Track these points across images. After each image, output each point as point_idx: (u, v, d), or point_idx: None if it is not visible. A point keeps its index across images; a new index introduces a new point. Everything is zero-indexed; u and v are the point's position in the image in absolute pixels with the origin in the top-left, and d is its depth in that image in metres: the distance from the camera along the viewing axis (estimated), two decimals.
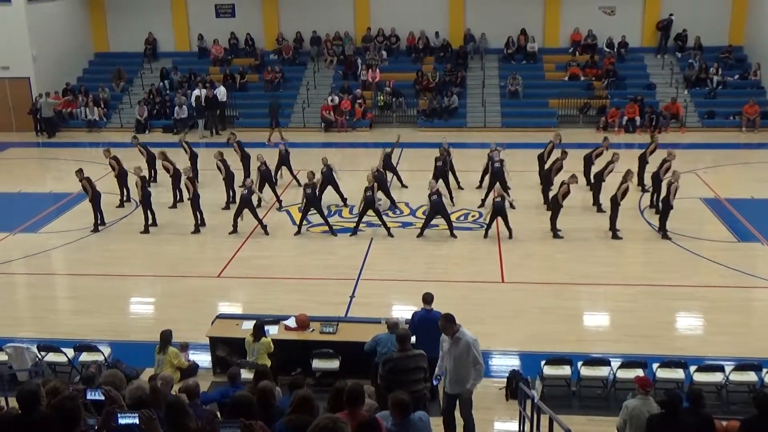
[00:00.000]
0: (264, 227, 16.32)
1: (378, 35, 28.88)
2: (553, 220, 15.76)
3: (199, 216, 16.61)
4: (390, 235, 15.96)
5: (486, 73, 27.54)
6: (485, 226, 15.94)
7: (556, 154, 17.70)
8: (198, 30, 29.71)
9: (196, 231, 16.51)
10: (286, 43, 29.09)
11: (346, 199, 17.81)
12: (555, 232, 15.75)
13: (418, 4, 28.57)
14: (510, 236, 15.64)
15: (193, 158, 19.35)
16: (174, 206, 17.92)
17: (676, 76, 26.91)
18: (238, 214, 16.18)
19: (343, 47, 28.77)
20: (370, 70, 27.36)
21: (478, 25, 28.51)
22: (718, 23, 27.44)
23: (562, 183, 15.77)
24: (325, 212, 17.03)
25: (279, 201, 18.10)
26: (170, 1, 29.45)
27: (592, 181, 17.61)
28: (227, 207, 17.76)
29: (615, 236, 15.57)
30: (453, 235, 15.87)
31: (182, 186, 17.35)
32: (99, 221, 16.82)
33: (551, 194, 16.49)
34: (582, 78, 27.06)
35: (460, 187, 18.62)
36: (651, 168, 17.49)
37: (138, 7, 29.37)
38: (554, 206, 15.80)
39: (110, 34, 30.24)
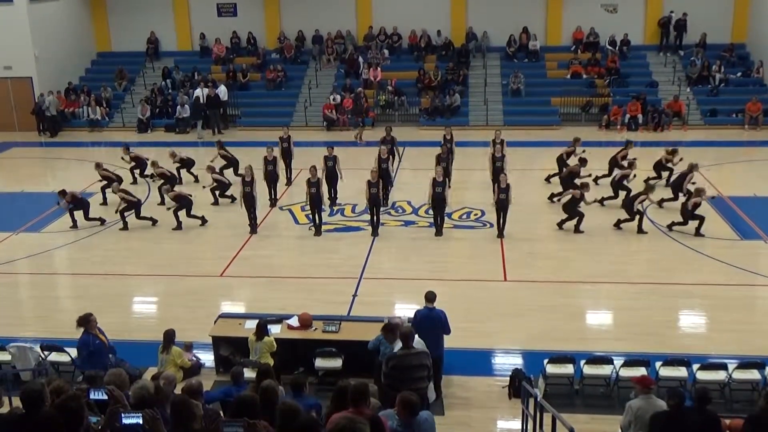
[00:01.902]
0: (255, 226, 16.30)
1: (380, 34, 28.87)
2: (567, 221, 15.90)
3: (196, 217, 16.82)
4: (373, 234, 15.89)
5: (488, 72, 27.54)
6: (495, 225, 15.92)
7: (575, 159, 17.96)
8: (200, 29, 29.72)
9: (202, 223, 16.88)
10: (287, 41, 29.10)
11: (336, 197, 17.85)
12: (560, 226, 15.98)
13: (420, 3, 28.55)
14: (499, 235, 15.66)
15: (189, 165, 19.56)
16: (162, 203, 18.03)
17: (678, 74, 26.88)
18: (252, 211, 16.20)
19: (345, 46, 28.77)
20: (372, 68, 27.36)
21: (480, 23, 28.50)
22: (720, 21, 27.40)
23: (577, 187, 15.90)
24: (328, 211, 17.10)
25: (275, 200, 18.09)
26: (172, 1, 29.45)
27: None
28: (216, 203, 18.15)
29: (617, 225, 15.81)
30: (440, 233, 15.88)
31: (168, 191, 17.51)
32: (100, 222, 17.01)
33: (563, 200, 16.54)
34: (584, 76, 27.04)
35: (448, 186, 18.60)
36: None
37: (140, 7, 29.38)
38: (573, 213, 15.86)
39: (112, 34, 30.26)
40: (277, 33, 29.38)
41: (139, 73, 29.24)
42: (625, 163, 17.99)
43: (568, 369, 10.05)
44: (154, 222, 16.93)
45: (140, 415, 5.71)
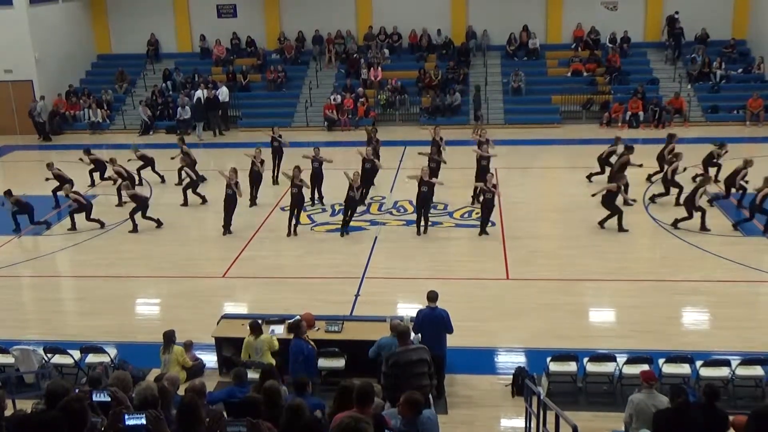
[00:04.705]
0: (228, 226, 16.30)
1: (380, 33, 28.87)
2: (609, 219, 15.78)
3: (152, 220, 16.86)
4: (342, 233, 15.87)
5: (488, 70, 27.53)
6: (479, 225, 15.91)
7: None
8: (200, 31, 29.74)
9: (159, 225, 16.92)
10: (288, 42, 29.11)
11: (323, 197, 17.85)
12: (602, 224, 15.83)
13: (420, 2, 28.55)
14: (485, 232, 15.62)
15: (150, 164, 19.64)
16: (120, 204, 18.17)
17: (679, 71, 26.86)
18: (230, 213, 16.19)
19: (345, 46, 28.78)
20: (372, 68, 27.36)
21: (480, 22, 28.50)
22: (721, 17, 27.37)
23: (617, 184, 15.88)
24: (330, 211, 17.14)
25: (254, 200, 18.06)
26: (172, 2, 29.48)
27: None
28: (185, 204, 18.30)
29: (675, 225, 15.65)
30: (422, 232, 15.84)
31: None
32: (46, 226, 17.23)
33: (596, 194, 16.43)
34: (585, 74, 27.02)
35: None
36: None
37: (140, 9, 29.41)
38: (613, 209, 15.73)
39: (112, 36, 30.28)
40: (277, 34, 29.39)
41: (140, 75, 29.26)
42: (673, 158, 17.84)
43: (571, 367, 10.04)
44: (102, 224, 17.00)
45: (143, 416, 5.71)
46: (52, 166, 18.35)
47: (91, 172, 20.08)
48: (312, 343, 9.66)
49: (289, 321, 10.06)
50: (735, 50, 27.15)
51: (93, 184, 20.07)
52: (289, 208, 16.13)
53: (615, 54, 27.18)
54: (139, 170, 19.93)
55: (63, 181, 17.96)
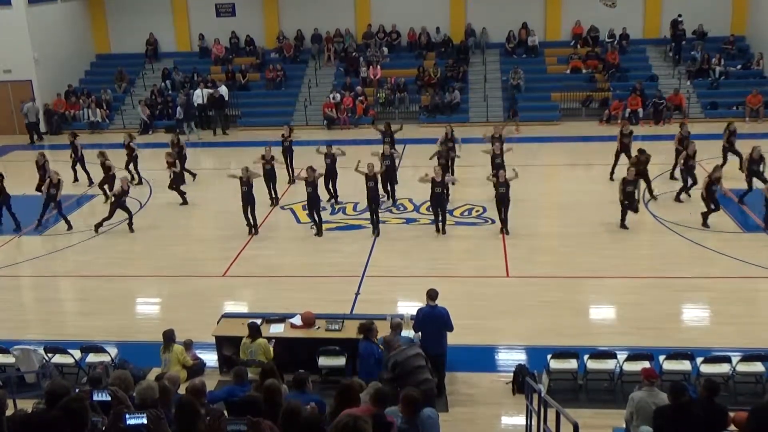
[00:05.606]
0: (256, 226, 16.27)
1: (379, 32, 28.86)
2: (622, 217, 15.68)
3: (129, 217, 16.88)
4: (374, 233, 15.83)
5: (487, 68, 27.52)
6: (498, 221, 15.87)
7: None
8: (199, 30, 29.73)
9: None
10: (286, 41, 29.10)
11: (337, 197, 17.85)
12: (623, 224, 15.71)
13: (419, 0, 28.54)
14: (503, 231, 15.60)
15: (182, 159, 19.54)
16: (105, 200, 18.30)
17: (678, 68, 26.84)
18: (246, 210, 16.16)
19: (344, 44, 28.77)
20: (371, 66, 27.35)
21: (479, 19, 28.49)
22: (720, 13, 27.36)
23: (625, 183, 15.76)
24: (330, 210, 17.14)
25: (277, 199, 18.10)
26: (171, 2, 29.47)
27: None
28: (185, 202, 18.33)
29: (704, 224, 15.56)
30: (443, 232, 15.81)
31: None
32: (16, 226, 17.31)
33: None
34: (584, 71, 27.00)
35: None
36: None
37: (139, 8, 29.41)
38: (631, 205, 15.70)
39: (111, 36, 30.29)
40: (276, 32, 29.37)
41: (139, 75, 29.25)
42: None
43: (572, 364, 10.03)
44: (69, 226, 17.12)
45: (144, 415, 5.72)
46: (44, 156, 18.51)
47: (87, 173, 20.13)
48: (381, 346, 9.44)
49: (361, 322, 9.68)
50: (734, 46, 27.14)
51: (91, 184, 20.09)
52: (306, 206, 16.15)
53: (614, 51, 27.18)
54: (136, 169, 19.98)
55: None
